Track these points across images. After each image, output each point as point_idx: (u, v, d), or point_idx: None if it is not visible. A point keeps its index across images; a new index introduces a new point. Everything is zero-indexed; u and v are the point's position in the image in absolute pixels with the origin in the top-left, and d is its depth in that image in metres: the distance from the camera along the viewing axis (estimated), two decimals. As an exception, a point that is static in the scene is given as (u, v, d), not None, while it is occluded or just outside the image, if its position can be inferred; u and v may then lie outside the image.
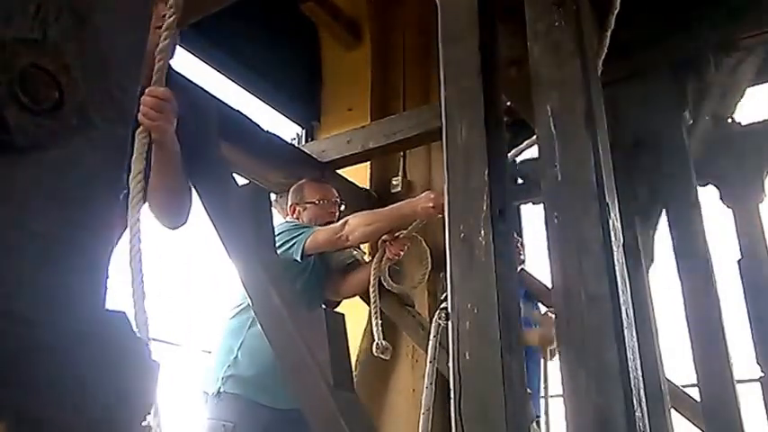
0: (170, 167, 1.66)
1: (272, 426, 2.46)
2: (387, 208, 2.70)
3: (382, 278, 2.79)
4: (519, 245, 3.48)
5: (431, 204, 2.53)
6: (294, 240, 2.56)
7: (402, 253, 2.74)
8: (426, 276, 3.07)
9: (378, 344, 2.76)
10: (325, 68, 4.32)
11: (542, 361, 3.28)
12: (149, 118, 1.54)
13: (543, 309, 3.47)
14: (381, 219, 2.61)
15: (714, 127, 2.77)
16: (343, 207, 2.86)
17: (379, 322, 2.78)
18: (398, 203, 2.71)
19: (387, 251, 2.72)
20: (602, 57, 1.70)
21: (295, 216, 2.81)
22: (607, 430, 1.14)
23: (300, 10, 4.03)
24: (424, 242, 2.95)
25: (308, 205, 2.82)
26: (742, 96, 2.67)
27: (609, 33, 1.68)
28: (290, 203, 2.86)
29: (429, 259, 3.03)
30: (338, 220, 2.74)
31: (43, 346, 0.48)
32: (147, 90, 1.56)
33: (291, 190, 2.90)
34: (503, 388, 1.22)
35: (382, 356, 2.79)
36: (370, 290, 2.75)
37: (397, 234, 2.69)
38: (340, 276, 2.88)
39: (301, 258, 2.53)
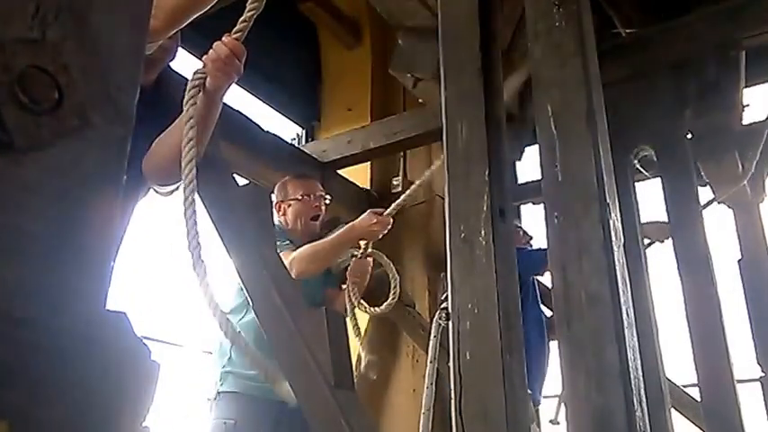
0: (205, 123, 1.57)
1: (276, 418, 2.45)
2: (330, 238, 2.58)
3: (358, 306, 2.66)
4: (521, 233, 3.49)
5: (374, 222, 2.53)
6: None
7: (367, 275, 2.68)
8: (395, 293, 2.79)
9: (368, 360, 2.70)
10: (325, 68, 4.32)
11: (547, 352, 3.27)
12: (215, 65, 1.51)
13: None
14: (323, 252, 2.54)
15: (714, 127, 2.77)
16: (328, 200, 2.82)
17: (363, 342, 2.71)
18: (342, 230, 2.61)
19: (349, 280, 2.64)
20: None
21: (281, 213, 2.77)
22: (607, 430, 1.14)
23: (300, 10, 4.03)
24: (385, 258, 2.77)
25: (292, 202, 2.80)
26: (742, 96, 2.66)
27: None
28: (275, 201, 2.80)
29: (394, 275, 2.79)
30: (324, 214, 2.76)
31: (43, 347, 0.48)
32: (226, 38, 1.54)
33: (276, 187, 2.85)
34: (503, 388, 1.22)
35: (370, 374, 2.73)
36: (348, 318, 2.62)
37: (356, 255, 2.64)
38: (333, 294, 2.81)
39: None
